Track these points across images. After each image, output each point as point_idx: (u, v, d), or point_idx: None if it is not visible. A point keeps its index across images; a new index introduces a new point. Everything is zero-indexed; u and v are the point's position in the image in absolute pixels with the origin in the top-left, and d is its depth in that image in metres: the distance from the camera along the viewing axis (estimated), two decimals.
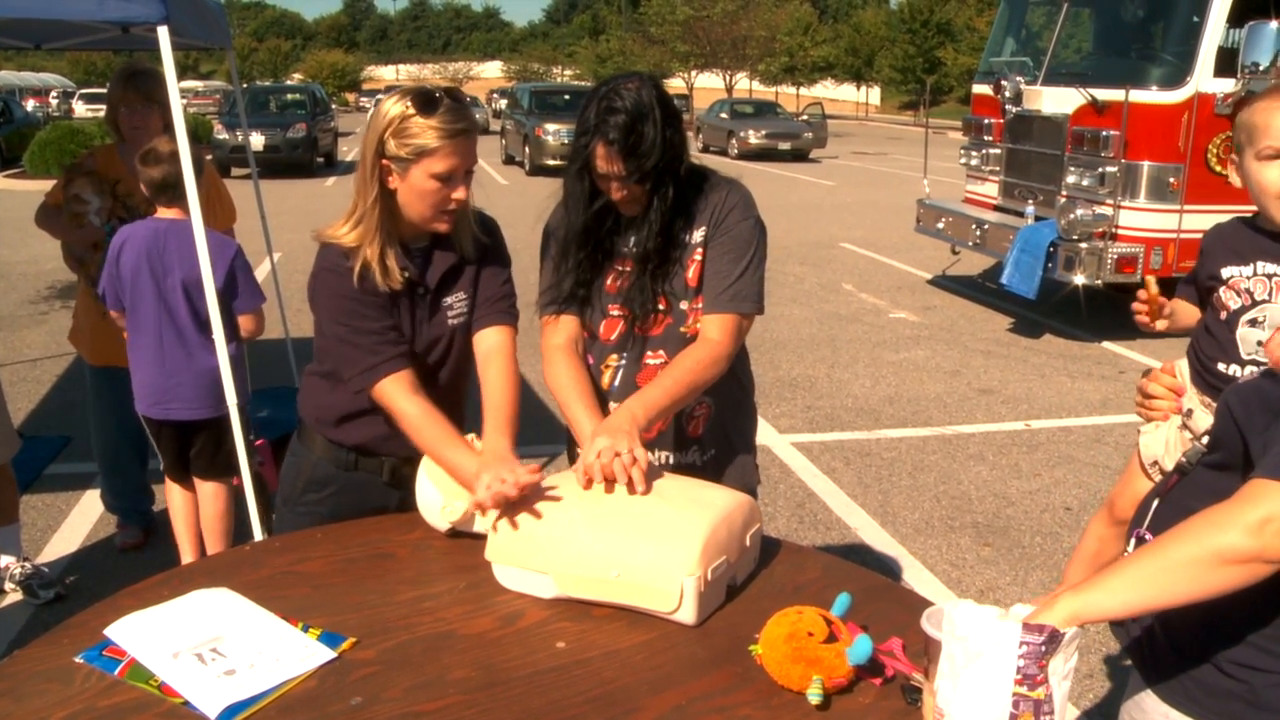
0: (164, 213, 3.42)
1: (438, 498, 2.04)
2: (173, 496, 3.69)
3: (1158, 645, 1.64)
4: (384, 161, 2.02)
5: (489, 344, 2.24)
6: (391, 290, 2.10)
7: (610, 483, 1.88)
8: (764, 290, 2.22)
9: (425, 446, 2.06)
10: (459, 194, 2.07)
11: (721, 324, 2.17)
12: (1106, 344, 7.77)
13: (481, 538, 1.95)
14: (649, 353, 2.23)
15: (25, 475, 4.72)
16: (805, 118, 28.33)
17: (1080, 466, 5.30)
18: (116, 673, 1.58)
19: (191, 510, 3.67)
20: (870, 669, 1.60)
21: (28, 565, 3.81)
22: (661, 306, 2.20)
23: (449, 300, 2.21)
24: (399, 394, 2.06)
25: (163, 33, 3.20)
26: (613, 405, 2.22)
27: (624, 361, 2.25)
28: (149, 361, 3.42)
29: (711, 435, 2.31)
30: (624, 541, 1.79)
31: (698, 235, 2.18)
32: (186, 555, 3.70)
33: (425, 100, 1.99)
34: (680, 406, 2.15)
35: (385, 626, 1.76)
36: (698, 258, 2.18)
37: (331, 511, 2.25)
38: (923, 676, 1.53)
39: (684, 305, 2.20)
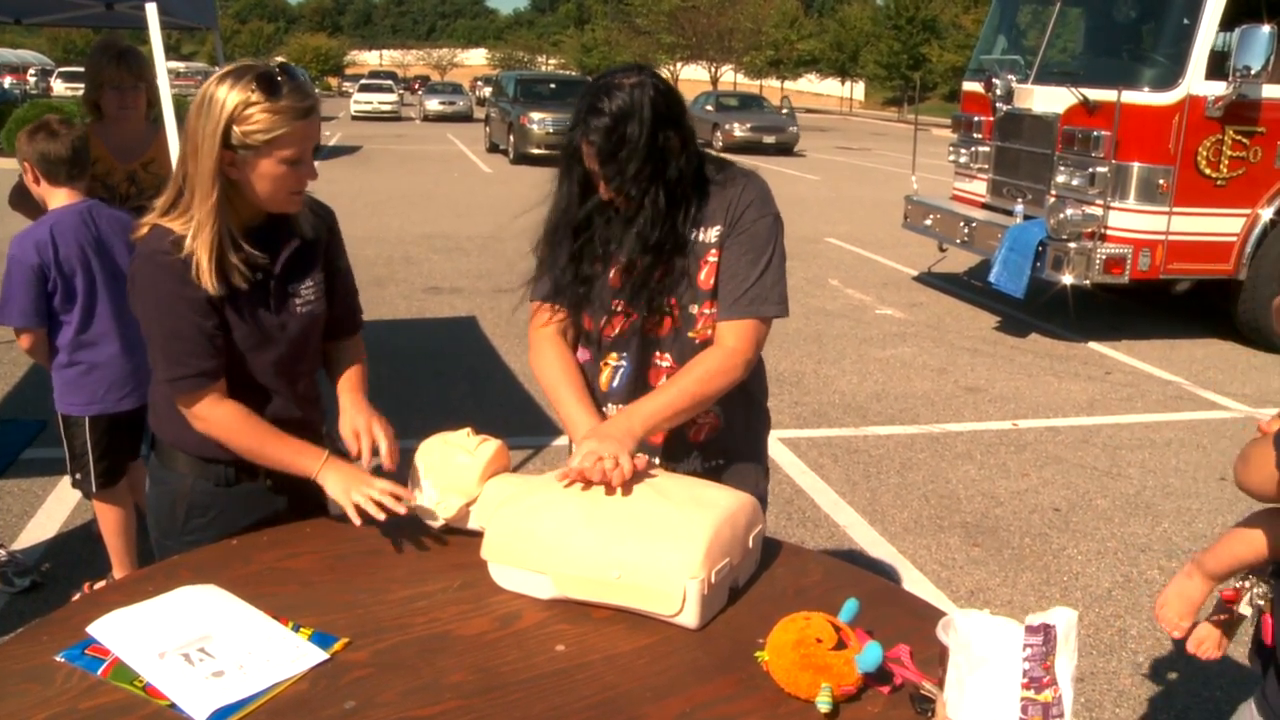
0: (57, 197, 3.21)
1: (432, 493, 1.98)
2: (113, 508, 3.46)
3: None
4: (225, 152, 1.87)
5: (347, 357, 2.27)
6: (230, 285, 1.95)
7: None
8: (786, 289, 2.10)
9: (248, 447, 2.00)
10: (310, 174, 1.97)
11: (740, 330, 2.05)
12: (1093, 344, 7.77)
13: (477, 535, 1.90)
14: (655, 355, 2.12)
15: (0, 460, 4.64)
16: (785, 111, 28.30)
17: (1068, 467, 5.29)
18: (99, 673, 1.52)
19: (131, 518, 3.50)
20: (878, 677, 1.56)
21: (3, 552, 3.74)
22: (671, 309, 2.08)
23: (296, 286, 2.08)
24: (210, 403, 1.97)
25: (151, 10, 3.14)
26: (610, 407, 2.14)
27: (624, 362, 2.14)
28: (115, 353, 3.29)
29: (717, 445, 2.19)
30: (625, 542, 1.74)
31: (712, 234, 2.06)
32: (124, 570, 3.48)
33: (270, 83, 1.86)
34: (685, 418, 2.04)
35: (378, 626, 1.70)
36: (712, 258, 2.06)
37: (219, 534, 2.06)
38: (934, 686, 1.49)
39: (694, 309, 2.08)
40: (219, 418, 1.98)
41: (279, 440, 2.01)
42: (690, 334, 2.09)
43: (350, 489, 1.93)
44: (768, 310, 2.06)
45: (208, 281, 1.91)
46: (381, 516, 1.89)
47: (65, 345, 3.28)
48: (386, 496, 1.90)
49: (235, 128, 1.85)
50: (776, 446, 5.42)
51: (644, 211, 1.97)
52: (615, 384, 2.16)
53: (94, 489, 3.38)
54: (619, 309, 2.10)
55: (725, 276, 2.05)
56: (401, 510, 1.90)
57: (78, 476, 3.38)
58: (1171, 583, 1.94)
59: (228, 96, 1.85)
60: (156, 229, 1.94)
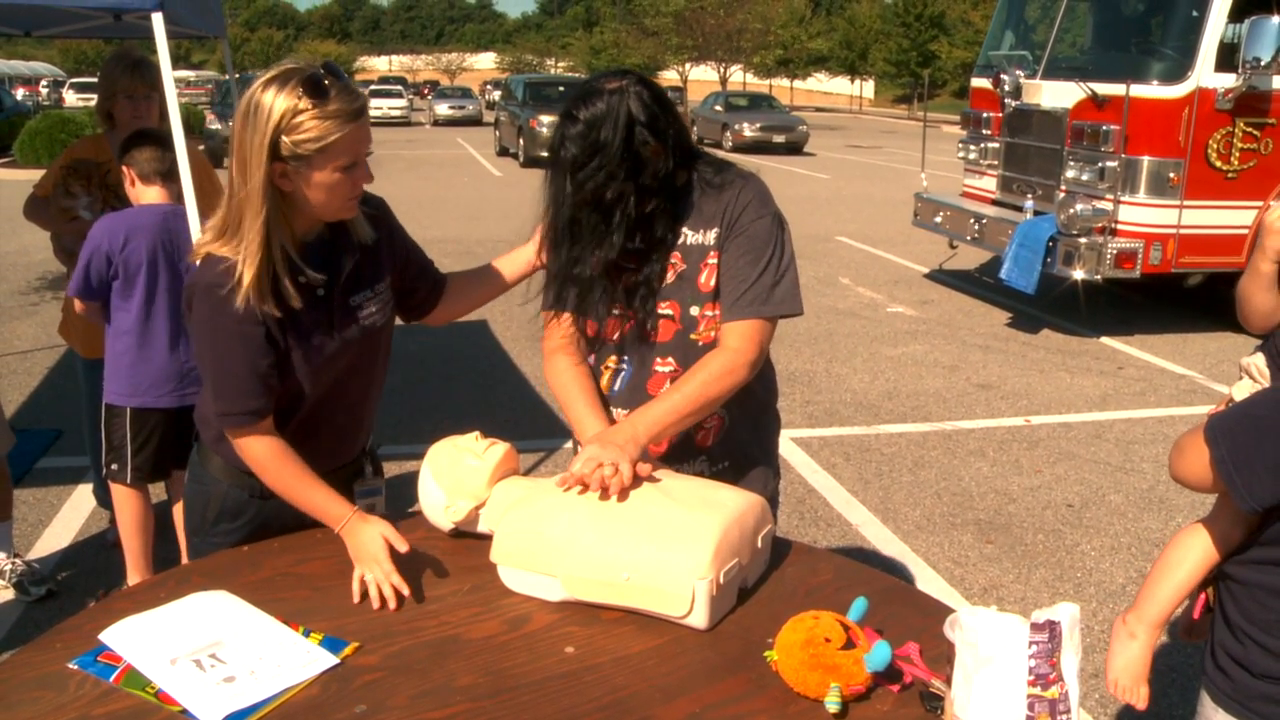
0: (149, 196, 3.33)
1: (441, 497, 1.99)
2: (134, 505, 3.48)
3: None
4: (276, 164, 1.79)
5: (461, 281, 2.30)
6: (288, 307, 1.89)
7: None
8: (797, 287, 2.07)
9: (276, 487, 1.96)
10: (366, 178, 1.90)
11: (741, 331, 2.03)
12: (1105, 339, 7.74)
13: (486, 538, 1.91)
14: (657, 359, 2.10)
15: (16, 469, 4.66)
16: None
17: (1081, 463, 5.27)
18: (112, 679, 1.53)
19: (150, 519, 3.53)
20: (888, 675, 1.56)
21: (19, 562, 3.75)
22: (670, 312, 2.07)
23: (359, 299, 2.02)
24: (249, 435, 1.93)
25: (157, 20, 3.15)
26: (614, 410, 2.14)
27: (625, 364, 2.13)
28: (162, 349, 3.35)
29: (724, 447, 2.18)
30: (634, 543, 1.74)
31: (710, 237, 2.05)
32: (139, 573, 3.49)
33: (316, 87, 1.76)
34: (691, 422, 2.03)
35: (388, 630, 1.71)
36: (711, 261, 2.05)
37: (248, 539, 2.08)
38: (943, 683, 1.49)
39: (694, 311, 2.07)
40: (256, 453, 1.94)
41: (308, 487, 1.95)
42: (693, 336, 2.08)
43: (365, 562, 1.84)
44: (768, 310, 2.04)
45: (257, 305, 1.83)
46: (376, 605, 1.79)
47: (119, 334, 3.34)
48: (388, 587, 1.80)
49: (284, 138, 1.76)
50: (788, 446, 5.42)
51: (614, 216, 1.94)
52: (616, 387, 2.15)
53: (129, 480, 3.40)
54: (617, 312, 2.10)
55: (726, 278, 2.04)
56: (391, 607, 1.78)
57: (114, 467, 3.40)
58: (1116, 653, 1.79)
59: (274, 104, 1.75)
60: (210, 257, 1.86)
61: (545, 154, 2.04)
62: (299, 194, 1.84)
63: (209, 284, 1.84)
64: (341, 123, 1.79)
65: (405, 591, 1.81)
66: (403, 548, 1.84)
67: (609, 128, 1.88)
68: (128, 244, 3.25)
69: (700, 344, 2.08)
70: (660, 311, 2.08)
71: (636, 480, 1.85)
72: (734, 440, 2.19)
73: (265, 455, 1.94)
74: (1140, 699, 1.77)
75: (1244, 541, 1.68)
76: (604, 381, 2.16)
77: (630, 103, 1.90)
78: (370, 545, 1.85)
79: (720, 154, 2.17)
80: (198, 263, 1.89)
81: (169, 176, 3.34)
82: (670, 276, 2.06)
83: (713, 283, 2.06)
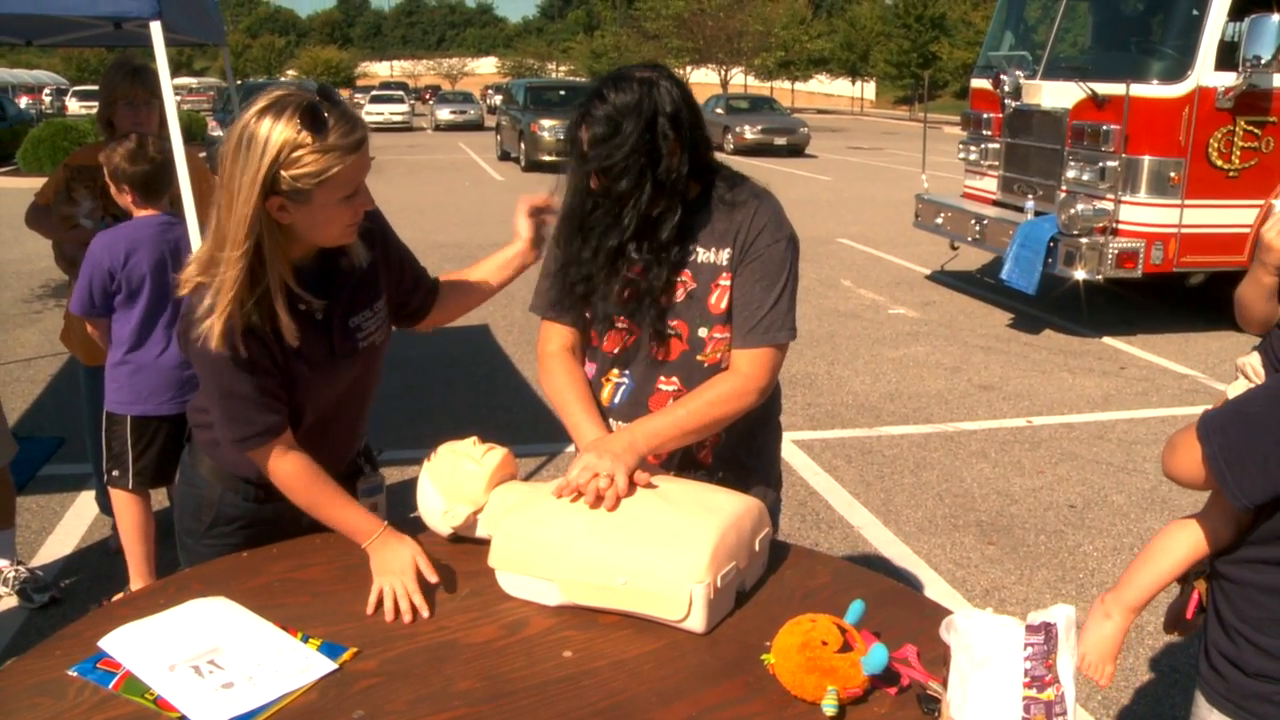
0: (143, 210, 3.33)
1: (439, 502, 1.99)
2: (136, 510, 3.48)
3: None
4: (274, 198, 1.73)
5: (455, 286, 2.26)
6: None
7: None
8: (795, 310, 2.09)
9: (306, 504, 1.93)
10: (366, 204, 1.86)
11: (755, 358, 2.03)
12: (1107, 339, 7.74)
13: (484, 543, 1.91)
14: (661, 377, 2.09)
15: (19, 477, 4.67)
16: None
17: (1084, 464, 5.26)
18: (111, 686, 1.54)
19: (151, 525, 3.53)
20: (885, 678, 1.56)
21: (22, 569, 3.76)
22: (678, 330, 2.06)
23: (357, 321, 2.00)
24: (273, 455, 1.90)
25: (155, 28, 3.16)
26: (613, 423, 2.12)
27: (627, 379, 2.12)
28: (161, 356, 3.36)
29: (720, 461, 2.17)
30: (631, 548, 1.75)
31: (723, 257, 2.03)
32: (141, 578, 3.51)
33: (315, 119, 1.69)
34: (691, 440, 2.02)
35: (386, 635, 1.71)
36: (724, 282, 2.03)
37: (243, 543, 2.06)
38: (940, 686, 1.49)
39: (703, 332, 2.05)
40: (283, 473, 1.92)
41: (337, 504, 1.94)
42: (699, 358, 2.07)
43: (389, 574, 1.82)
44: (783, 337, 2.04)
45: (218, 345, 1.77)
46: (390, 617, 1.77)
47: (120, 344, 3.36)
48: (405, 600, 1.78)
49: (283, 173, 1.70)
50: (790, 448, 5.42)
51: (624, 211, 1.94)
52: (615, 401, 2.14)
53: (130, 486, 3.42)
54: (621, 325, 2.09)
55: (739, 304, 2.03)
56: (406, 619, 1.77)
57: (115, 473, 3.42)
58: (1089, 630, 1.82)
59: (270, 137, 1.68)
60: (200, 288, 1.81)
61: (565, 137, 2.03)
62: (297, 225, 1.80)
63: (201, 316, 1.81)
64: (342, 155, 1.74)
65: (425, 614, 1.78)
66: (433, 578, 1.82)
67: (634, 115, 1.89)
68: (130, 258, 3.26)
69: (706, 365, 2.07)
70: (668, 330, 2.06)
71: (632, 486, 1.85)
72: (731, 454, 2.18)
73: (293, 474, 1.92)
74: (1104, 676, 1.79)
75: (1235, 540, 1.68)
76: (604, 394, 2.15)
77: (658, 94, 1.91)
78: (397, 560, 1.84)
79: (723, 157, 2.16)
80: (187, 294, 1.84)
81: (167, 189, 3.34)
82: (680, 294, 2.05)
83: (724, 305, 2.04)
